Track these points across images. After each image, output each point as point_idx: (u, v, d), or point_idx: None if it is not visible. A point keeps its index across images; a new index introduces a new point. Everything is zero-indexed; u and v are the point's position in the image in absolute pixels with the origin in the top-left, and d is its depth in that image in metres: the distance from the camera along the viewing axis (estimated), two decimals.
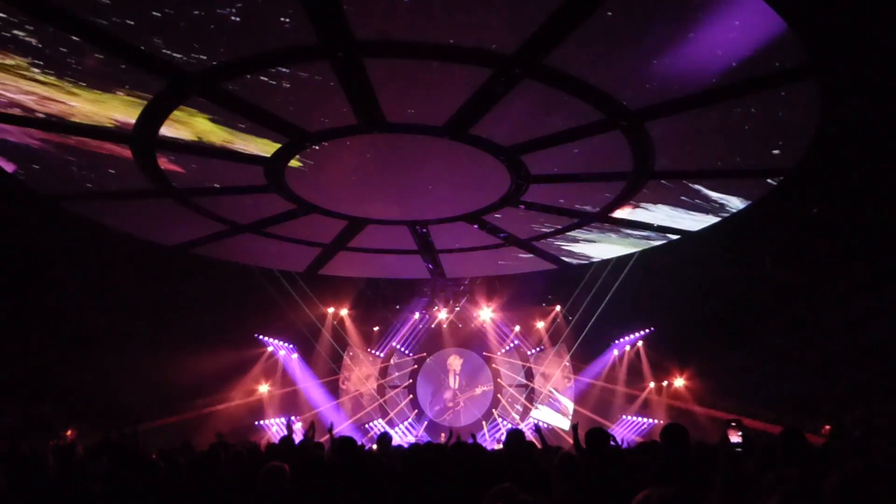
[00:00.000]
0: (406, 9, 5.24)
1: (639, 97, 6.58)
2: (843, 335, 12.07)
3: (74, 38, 5.52)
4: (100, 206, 9.89)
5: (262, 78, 6.25)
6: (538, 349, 20.32)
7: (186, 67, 5.98)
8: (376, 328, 20.16)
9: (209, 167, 8.54)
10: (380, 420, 19.78)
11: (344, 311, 19.26)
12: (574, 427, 6.76)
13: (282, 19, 5.32)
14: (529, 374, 20.40)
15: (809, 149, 7.48)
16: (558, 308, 19.63)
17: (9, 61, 5.91)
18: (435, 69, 6.12)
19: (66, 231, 10.82)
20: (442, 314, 19.99)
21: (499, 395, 20.31)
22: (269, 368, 17.93)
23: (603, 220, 10.37)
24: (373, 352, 20.30)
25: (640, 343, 18.30)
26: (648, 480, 3.31)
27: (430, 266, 14.03)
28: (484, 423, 19.79)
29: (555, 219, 10.52)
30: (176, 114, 6.89)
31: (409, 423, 19.72)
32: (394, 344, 20.35)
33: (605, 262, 14.26)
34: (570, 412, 19.41)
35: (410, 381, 20.53)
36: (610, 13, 5.17)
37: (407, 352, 20.59)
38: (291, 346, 18.59)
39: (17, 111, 6.83)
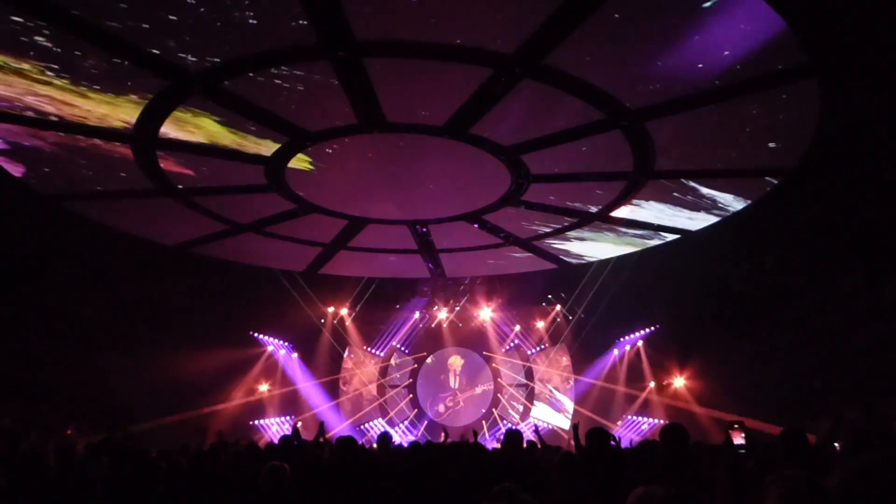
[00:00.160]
0: (406, 9, 5.24)
1: (639, 97, 6.58)
2: (844, 335, 12.06)
3: (84, 41, 5.55)
4: (100, 205, 9.90)
5: (262, 78, 6.25)
6: (538, 349, 20.32)
7: (188, 67, 5.98)
8: (376, 327, 20.14)
9: (209, 166, 8.54)
10: (379, 420, 19.78)
11: (344, 311, 19.26)
12: (574, 427, 6.77)
13: (282, 19, 5.33)
14: (529, 374, 20.40)
15: (810, 148, 7.48)
16: (558, 307, 19.63)
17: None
18: (435, 69, 6.12)
19: (66, 231, 10.82)
20: (442, 314, 19.99)
21: (499, 395, 20.31)
22: (268, 368, 17.93)
23: (603, 220, 10.38)
24: (373, 351, 20.30)
25: (640, 343, 18.30)
26: (648, 480, 3.31)
27: (431, 265, 14.03)
28: (484, 422, 19.79)
29: (555, 218, 10.53)
30: (176, 114, 6.89)
31: (406, 426, 19.68)
32: (394, 343, 20.35)
33: (605, 262, 14.28)
34: (571, 412, 19.41)
35: (410, 380, 20.54)
36: (610, 13, 5.17)
37: (407, 351, 20.59)
38: (291, 345, 18.59)
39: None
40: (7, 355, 11.39)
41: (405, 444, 9.65)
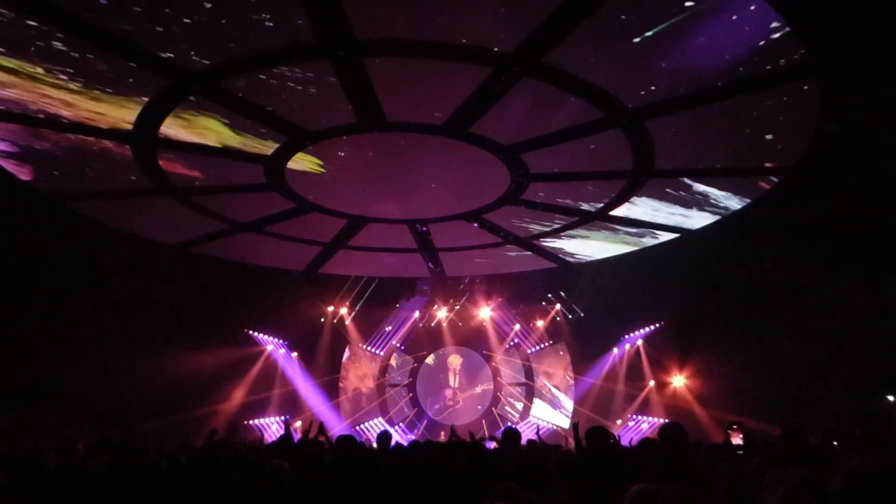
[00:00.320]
0: (406, 8, 5.24)
1: (639, 95, 6.58)
2: (844, 334, 12.08)
3: (85, 41, 5.56)
4: (100, 205, 9.89)
5: (261, 77, 6.24)
6: (538, 347, 20.33)
7: (187, 67, 5.98)
8: (376, 327, 20.14)
9: (209, 166, 8.54)
10: (378, 419, 19.78)
11: (343, 310, 19.26)
12: (574, 426, 6.77)
13: (282, 18, 5.32)
14: (529, 373, 20.41)
15: (810, 147, 7.48)
16: (558, 306, 19.63)
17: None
18: (435, 68, 6.12)
19: (66, 230, 10.82)
20: (442, 313, 19.99)
21: (499, 394, 20.32)
22: (268, 367, 17.92)
23: (603, 219, 10.38)
24: (372, 350, 20.30)
25: (639, 342, 18.31)
26: (647, 479, 3.31)
27: (431, 265, 14.03)
28: (484, 421, 19.80)
29: (555, 217, 10.53)
30: (175, 113, 6.89)
31: (403, 427, 19.66)
32: (394, 342, 20.35)
33: (605, 261, 14.27)
34: (570, 411, 19.42)
35: (410, 379, 20.54)
36: (610, 12, 5.16)
37: (406, 350, 20.60)
38: (291, 345, 18.58)
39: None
40: (7, 354, 11.39)
41: (404, 444, 9.65)
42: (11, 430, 10.52)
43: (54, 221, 10.48)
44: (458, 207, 10.37)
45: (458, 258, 13.56)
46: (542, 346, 20.27)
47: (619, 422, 18.13)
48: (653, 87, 6.39)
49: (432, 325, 20.36)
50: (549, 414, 19.90)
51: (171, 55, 5.81)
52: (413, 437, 18.53)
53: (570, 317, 19.61)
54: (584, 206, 9.92)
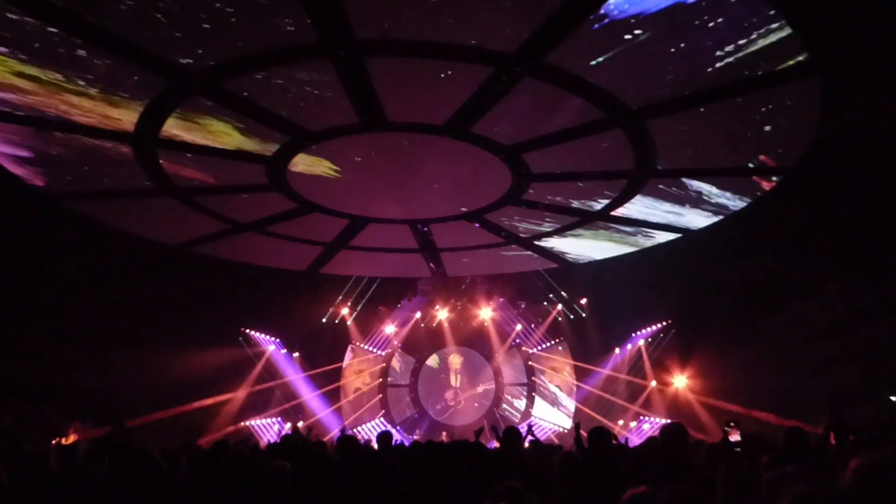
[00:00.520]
0: (407, 8, 5.24)
1: (640, 95, 6.57)
2: (845, 334, 12.06)
3: (87, 41, 5.58)
4: (101, 205, 9.90)
5: (262, 77, 6.25)
6: (539, 347, 20.32)
7: (188, 67, 5.98)
8: (377, 327, 20.15)
9: (210, 166, 8.55)
10: (379, 419, 19.78)
11: (345, 310, 19.26)
12: (576, 426, 6.76)
13: (283, 18, 5.32)
14: (531, 373, 20.41)
15: (811, 147, 7.47)
16: (560, 306, 19.63)
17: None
18: (436, 68, 6.12)
19: (67, 230, 10.83)
20: (443, 313, 19.99)
21: (500, 394, 20.31)
22: (268, 367, 17.94)
23: (604, 219, 10.37)
24: (374, 350, 20.31)
25: (641, 342, 18.30)
26: (648, 479, 3.30)
27: (432, 265, 14.03)
28: (485, 421, 19.79)
29: (556, 217, 10.52)
30: (176, 113, 6.89)
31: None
32: (395, 342, 20.36)
33: (605, 261, 14.26)
34: (572, 410, 19.41)
35: (412, 380, 20.54)
36: (610, 12, 5.16)
37: (408, 350, 20.60)
38: (292, 345, 18.59)
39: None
40: (8, 354, 11.41)
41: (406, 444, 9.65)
42: (13, 429, 10.53)
43: (56, 222, 10.49)
44: (459, 207, 10.36)
45: (459, 258, 13.56)
46: (544, 345, 20.26)
47: (620, 422, 18.10)
48: (654, 87, 6.39)
49: (434, 325, 20.36)
50: (551, 414, 19.89)
51: (172, 55, 5.81)
52: (413, 438, 18.53)
53: (571, 317, 19.60)
54: (586, 206, 9.91)
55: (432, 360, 20.72)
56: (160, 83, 6.28)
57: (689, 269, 13.63)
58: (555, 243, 12.02)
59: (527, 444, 7.55)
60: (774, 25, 5.27)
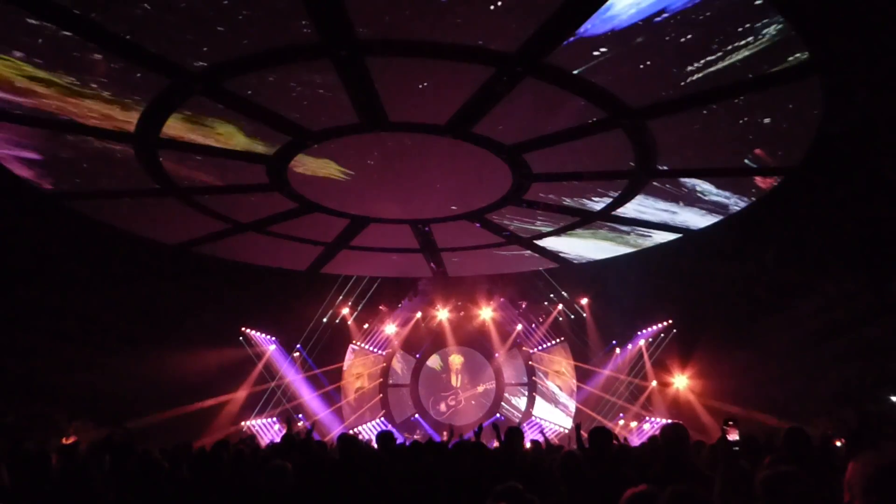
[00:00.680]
0: (408, 8, 5.24)
1: (641, 95, 6.57)
2: (846, 334, 12.06)
3: (89, 41, 5.58)
4: (102, 205, 9.91)
5: (263, 77, 6.25)
6: (540, 347, 20.32)
7: (189, 67, 5.99)
8: (378, 326, 20.16)
9: (210, 166, 8.55)
10: (378, 420, 19.78)
11: (345, 310, 19.26)
12: (577, 427, 6.77)
13: (284, 17, 5.32)
14: (531, 373, 20.41)
15: (811, 147, 7.47)
16: (560, 306, 19.63)
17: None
18: (437, 68, 6.12)
19: (67, 230, 10.83)
20: (444, 313, 19.99)
21: (501, 394, 20.31)
22: (268, 367, 17.94)
23: (605, 219, 10.37)
24: (374, 350, 20.31)
25: (642, 342, 18.30)
26: (649, 479, 3.31)
27: (433, 264, 14.03)
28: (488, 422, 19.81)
29: (557, 217, 10.52)
30: (177, 113, 6.89)
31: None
32: (395, 342, 20.36)
33: (606, 261, 14.27)
34: (573, 411, 19.41)
35: (412, 379, 20.54)
36: (611, 13, 5.16)
37: (409, 350, 20.60)
38: (292, 345, 18.59)
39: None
40: (9, 353, 11.42)
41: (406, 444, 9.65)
42: (14, 429, 10.55)
43: (57, 222, 10.50)
44: (460, 207, 10.37)
45: (460, 258, 13.56)
46: (545, 345, 20.26)
47: (621, 422, 18.10)
48: (655, 87, 6.39)
49: (434, 325, 20.36)
50: (551, 414, 19.89)
51: (172, 56, 5.81)
52: (414, 438, 18.54)
53: (572, 316, 19.60)
54: (586, 206, 9.91)
55: (433, 360, 20.72)
56: (162, 83, 6.28)
57: (689, 269, 13.63)
58: (555, 243, 12.02)
59: (528, 444, 7.56)
60: (775, 26, 5.27)
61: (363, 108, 6.92)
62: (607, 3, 5.03)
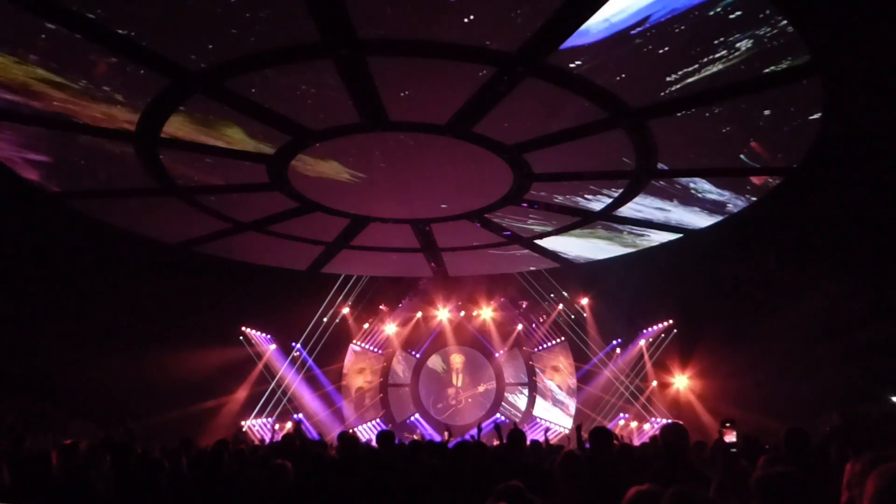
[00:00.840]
0: (409, 7, 5.24)
1: (641, 95, 6.57)
2: (846, 334, 12.07)
3: (91, 42, 5.59)
4: (103, 204, 9.91)
5: (264, 76, 6.25)
6: (540, 347, 20.32)
7: (189, 66, 5.99)
8: (378, 326, 20.15)
9: (211, 165, 8.55)
10: (378, 420, 19.78)
11: (346, 310, 19.26)
12: (577, 427, 6.77)
13: (284, 17, 5.33)
14: (532, 373, 20.41)
15: (812, 148, 7.47)
16: (561, 306, 19.62)
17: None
18: (438, 67, 6.12)
19: (68, 230, 10.84)
20: (444, 312, 19.99)
21: (501, 394, 20.30)
22: (268, 367, 17.93)
23: (605, 219, 10.37)
24: (374, 350, 20.31)
25: (642, 342, 18.30)
26: (649, 479, 3.31)
27: (433, 264, 14.03)
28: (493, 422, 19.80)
29: (557, 217, 10.53)
30: (178, 113, 6.90)
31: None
32: (396, 342, 20.36)
33: (607, 261, 14.28)
34: (573, 410, 19.41)
35: (413, 379, 20.53)
36: (612, 14, 5.17)
37: (409, 350, 20.60)
38: (292, 344, 18.57)
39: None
40: (10, 353, 11.42)
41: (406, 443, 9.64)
42: (15, 428, 10.54)
43: (58, 221, 10.50)
44: (461, 207, 10.37)
45: (460, 257, 13.56)
46: (545, 345, 20.26)
47: (621, 422, 18.09)
48: (655, 87, 6.39)
49: (434, 324, 20.36)
50: (552, 414, 19.88)
51: (173, 56, 5.81)
52: (414, 438, 18.53)
53: (572, 316, 19.59)
54: (586, 206, 9.92)
55: (433, 360, 20.72)
56: (163, 83, 6.28)
57: (690, 269, 13.63)
58: (555, 243, 12.03)
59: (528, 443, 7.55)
60: (777, 25, 5.27)
61: (364, 108, 6.92)
62: (607, 4, 5.03)
